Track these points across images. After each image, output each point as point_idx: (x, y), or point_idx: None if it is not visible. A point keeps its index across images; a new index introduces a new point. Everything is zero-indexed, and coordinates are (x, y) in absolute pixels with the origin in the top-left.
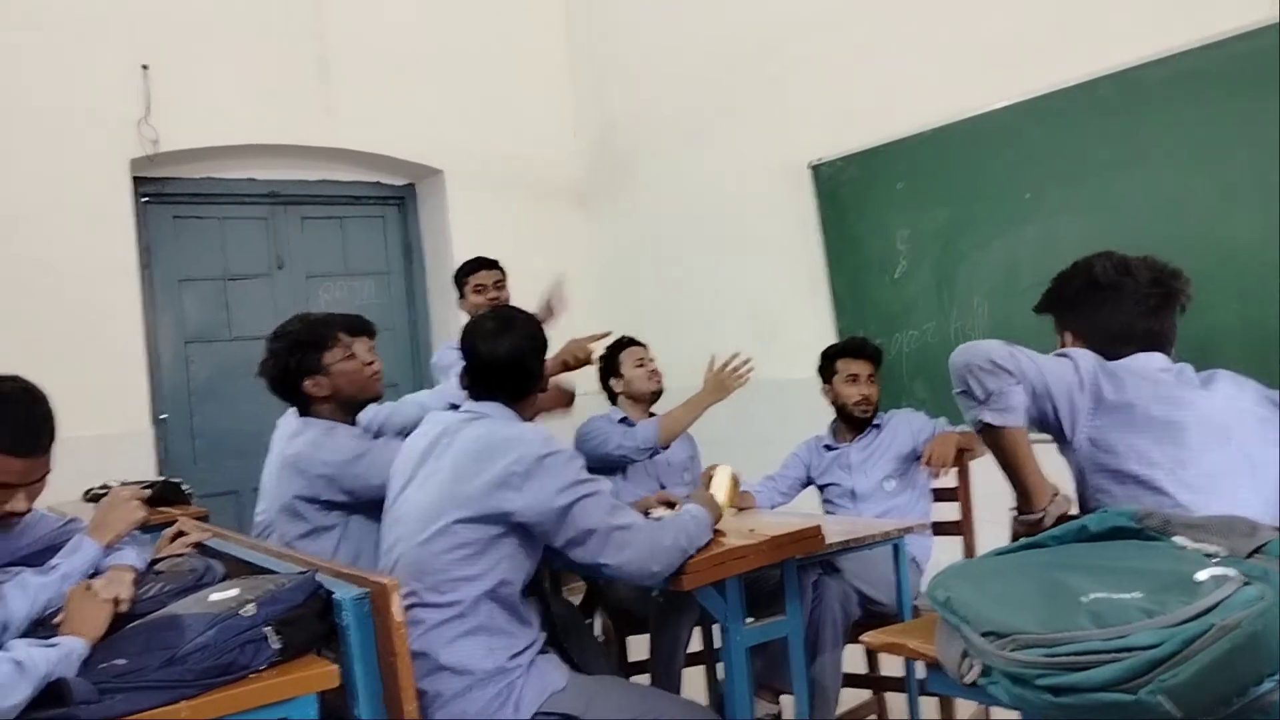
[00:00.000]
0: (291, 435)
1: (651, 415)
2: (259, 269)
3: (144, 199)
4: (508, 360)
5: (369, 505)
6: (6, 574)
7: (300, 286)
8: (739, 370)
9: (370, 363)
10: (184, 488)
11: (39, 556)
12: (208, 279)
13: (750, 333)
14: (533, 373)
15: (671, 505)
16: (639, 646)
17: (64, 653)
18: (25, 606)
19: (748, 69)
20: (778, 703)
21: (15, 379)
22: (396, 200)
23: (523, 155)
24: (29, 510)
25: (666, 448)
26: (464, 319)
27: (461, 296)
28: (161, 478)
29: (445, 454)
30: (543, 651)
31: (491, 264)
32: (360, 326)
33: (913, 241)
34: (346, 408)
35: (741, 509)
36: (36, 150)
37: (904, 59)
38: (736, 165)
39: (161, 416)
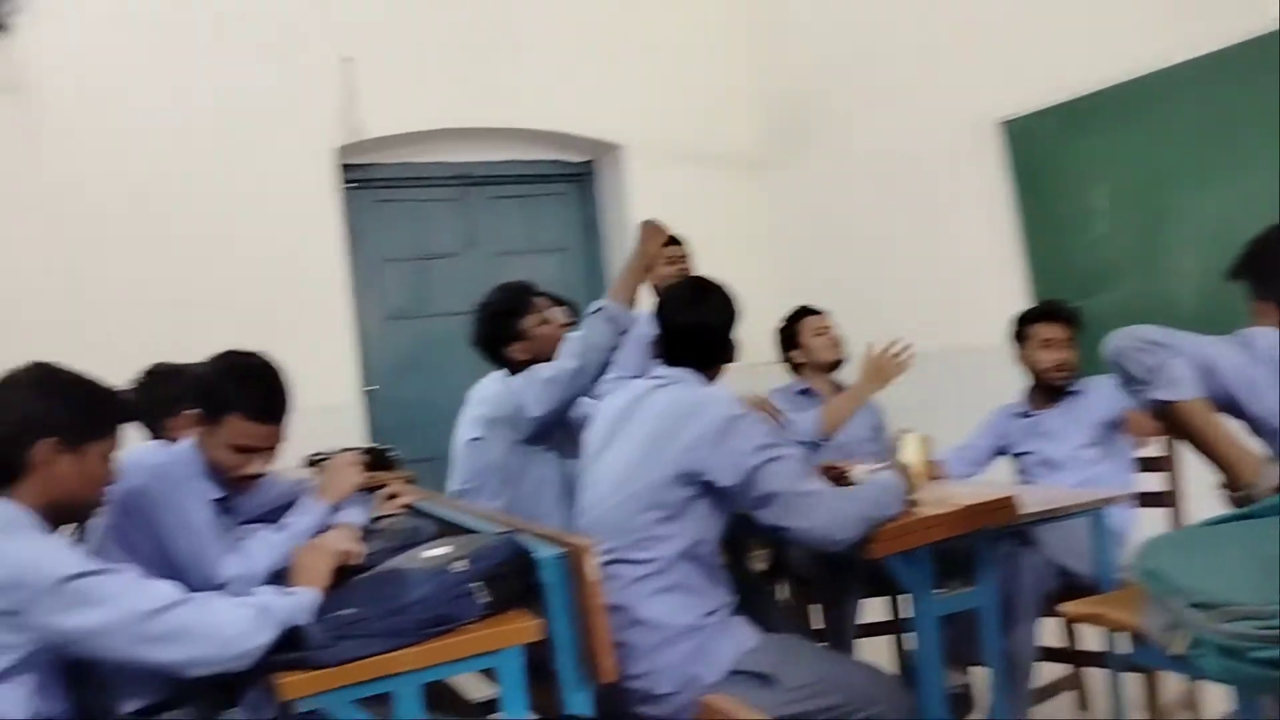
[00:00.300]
0: (497, 392)
1: (837, 387)
2: (452, 248)
3: (349, 185)
4: (700, 329)
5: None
6: (247, 531)
7: (490, 264)
8: (899, 356)
9: (565, 325)
10: (392, 454)
11: (273, 515)
12: (407, 259)
13: (937, 299)
14: (724, 343)
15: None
16: (820, 617)
17: (300, 601)
18: (264, 559)
19: (932, 23)
20: (967, 675)
21: (256, 354)
22: (578, 177)
23: (699, 126)
24: (262, 475)
25: (828, 439)
26: (648, 293)
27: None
28: (371, 445)
29: (639, 419)
30: (734, 614)
31: (673, 240)
32: (554, 298)
33: (1112, 199)
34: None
35: (932, 479)
36: (253, 144)
37: (1100, 6)
38: (920, 124)
39: (369, 388)
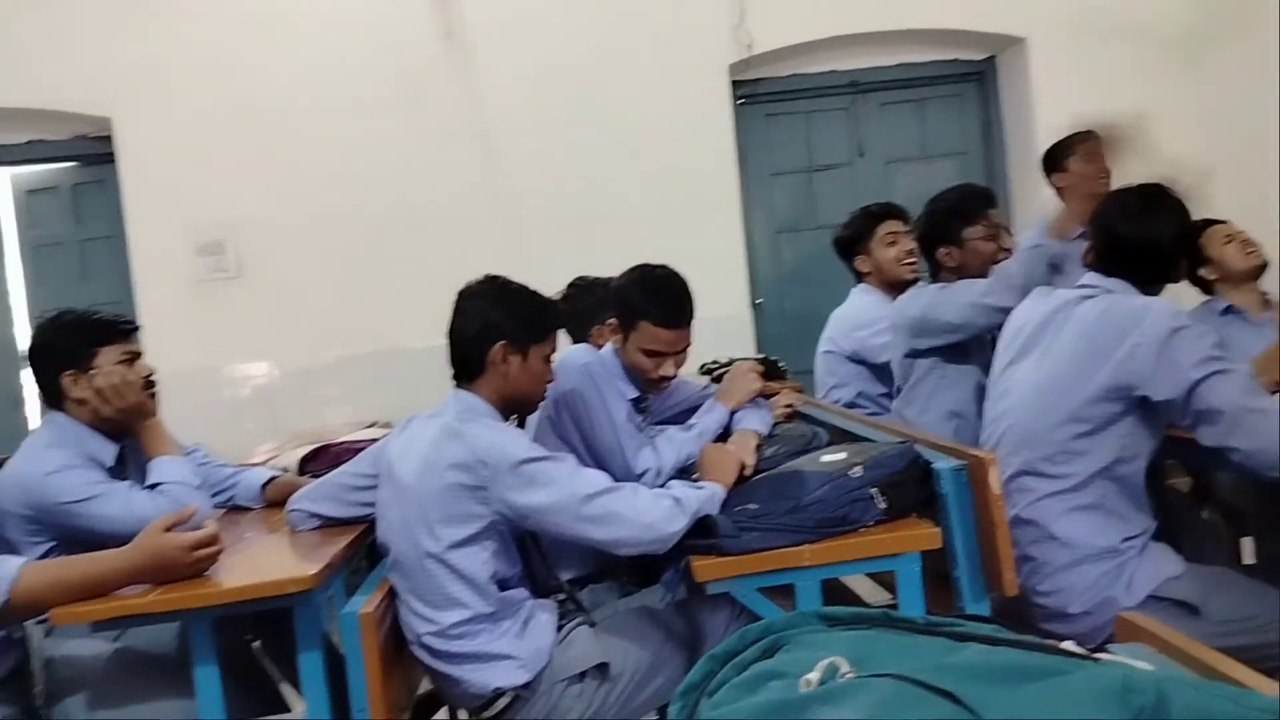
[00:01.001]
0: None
1: (1264, 299)
2: (841, 158)
3: (740, 100)
4: (1146, 244)
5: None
6: (658, 430)
7: (880, 173)
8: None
9: (993, 236)
10: (781, 364)
11: (680, 417)
12: (794, 171)
13: None
14: (1170, 260)
15: None
16: (1251, 550)
17: (709, 494)
18: (672, 456)
19: None
20: None
21: (663, 267)
22: (975, 76)
23: (1116, 9)
24: (675, 376)
25: None
26: (1049, 199)
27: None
28: (761, 355)
29: (1062, 329)
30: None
31: (1085, 134)
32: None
33: None
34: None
35: None
36: (649, 67)
37: None
38: None
39: (757, 301)
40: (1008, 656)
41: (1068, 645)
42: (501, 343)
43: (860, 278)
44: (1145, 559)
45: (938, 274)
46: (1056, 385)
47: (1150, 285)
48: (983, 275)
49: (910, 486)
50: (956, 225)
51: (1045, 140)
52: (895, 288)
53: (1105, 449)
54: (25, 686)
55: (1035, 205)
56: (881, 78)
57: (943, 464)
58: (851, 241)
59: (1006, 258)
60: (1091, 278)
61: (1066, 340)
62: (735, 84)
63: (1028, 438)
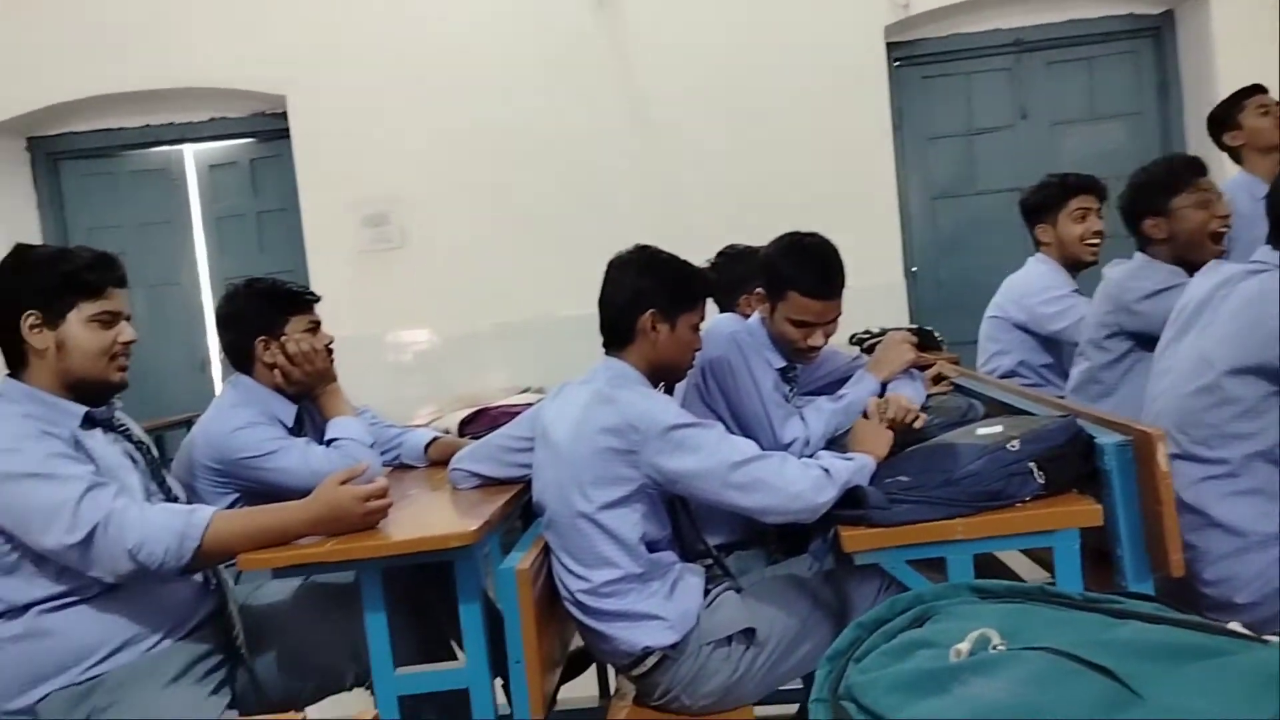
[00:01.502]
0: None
1: None
2: (1002, 121)
3: (896, 63)
4: None
5: None
6: (805, 401)
7: (1044, 135)
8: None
9: (1205, 204)
10: (936, 335)
11: (829, 388)
12: (953, 135)
13: None
14: None
15: None
16: None
17: (858, 465)
18: (820, 427)
19: None
20: None
21: (814, 235)
22: (1151, 32)
23: None
24: (823, 347)
25: None
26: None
27: (1227, 129)
28: (915, 325)
29: (1221, 306)
30: None
31: (1255, 88)
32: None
33: None
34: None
35: None
36: (803, 29)
37: None
38: None
39: (913, 269)
40: (1169, 635)
41: (1234, 626)
42: (651, 311)
43: (1038, 246)
44: None
45: (1146, 246)
46: (1209, 364)
47: None
48: (1194, 245)
49: (1071, 461)
50: (1164, 196)
51: (1224, 97)
52: (1073, 264)
53: (1262, 432)
54: (227, 628)
55: (1215, 171)
56: (1048, 35)
57: (1106, 439)
58: (1038, 208)
59: (1222, 226)
60: (1263, 252)
61: (1224, 318)
62: (891, 46)
63: (1182, 419)
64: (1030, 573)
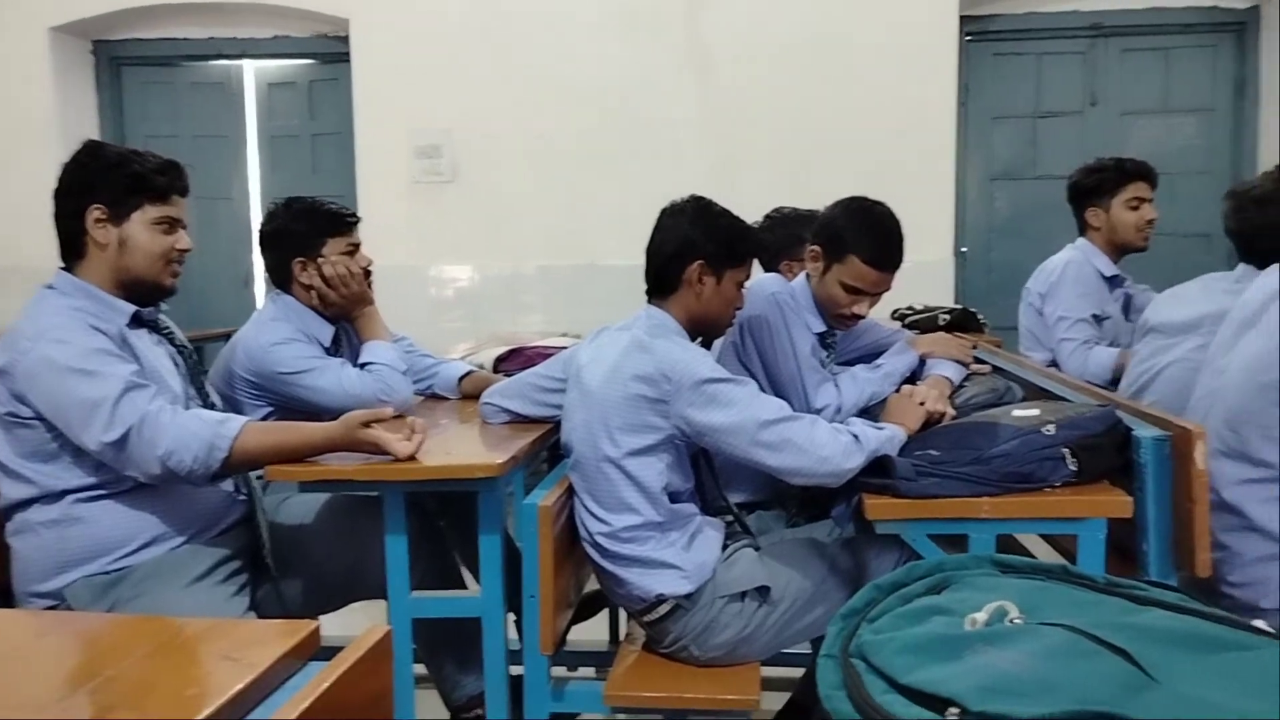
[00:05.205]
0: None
1: None
2: (1071, 106)
3: (967, 38)
4: None
5: None
6: (841, 369)
7: (1113, 124)
8: None
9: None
10: (979, 317)
11: (867, 358)
12: (1018, 116)
13: None
14: None
15: None
16: None
17: (889, 435)
18: (854, 395)
19: None
20: None
21: (882, 204)
22: (1234, 26)
23: None
24: (863, 317)
25: None
26: None
27: None
28: (959, 306)
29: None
30: None
31: None
32: None
33: None
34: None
35: None
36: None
37: None
38: None
39: (962, 249)
40: (1191, 625)
41: (1258, 624)
42: (699, 262)
43: (1084, 229)
44: None
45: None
46: (1265, 366)
47: None
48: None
49: (1106, 451)
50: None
51: None
52: (1121, 251)
53: None
54: (253, 535)
55: None
56: (1127, 21)
57: (1145, 432)
58: (1092, 190)
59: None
60: None
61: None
62: (964, 19)
63: (1234, 418)
64: (1051, 558)
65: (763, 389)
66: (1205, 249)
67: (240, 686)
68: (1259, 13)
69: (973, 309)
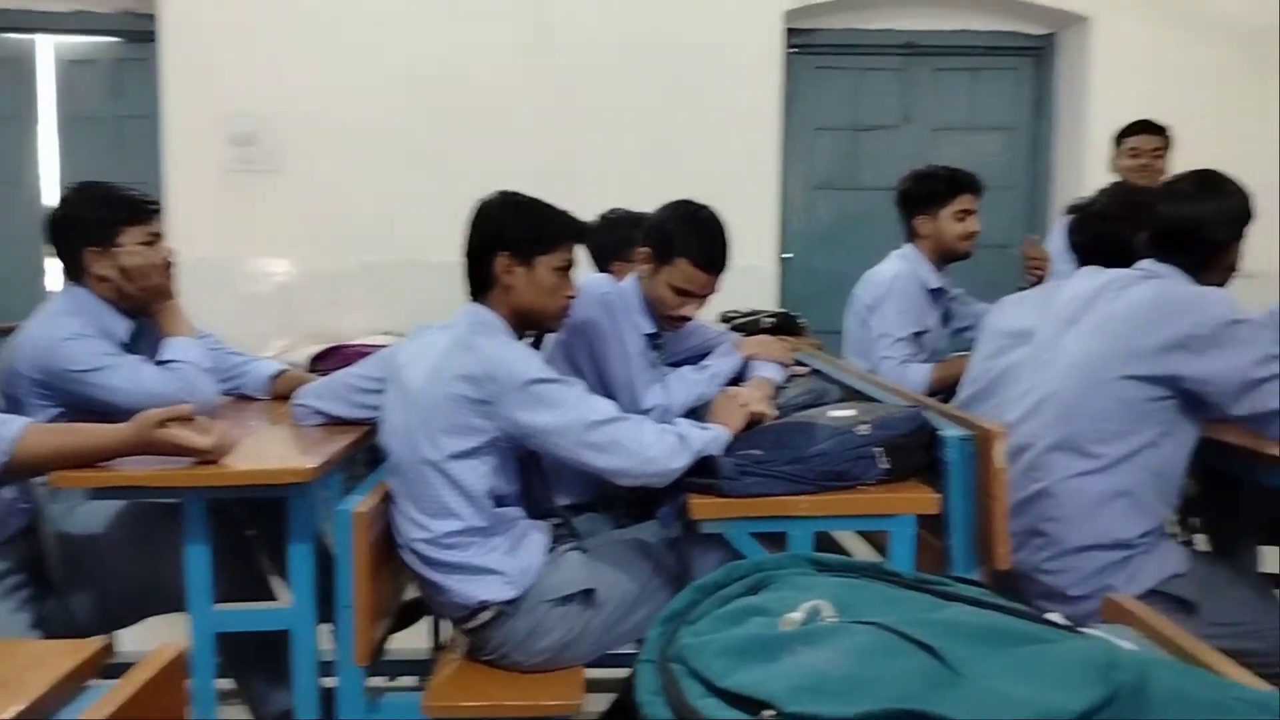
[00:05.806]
0: None
1: None
2: (887, 120)
3: (792, 49)
4: (1198, 226)
5: None
6: (669, 370)
7: (925, 139)
8: None
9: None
10: (800, 321)
11: (695, 359)
12: (839, 129)
13: None
14: (1224, 247)
15: None
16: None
17: (713, 436)
18: (683, 395)
19: None
20: None
21: (709, 207)
22: (1033, 51)
23: None
24: (690, 319)
25: None
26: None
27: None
28: (781, 310)
29: (1112, 307)
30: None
31: (1157, 129)
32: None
33: None
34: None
35: None
36: (705, 4)
37: None
38: None
39: (785, 255)
40: (992, 619)
41: (1053, 617)
42: (505, 253)
43: (912, 236)
44: (1154, 554)
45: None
46: (1095, 364)
47: (1204, 274)
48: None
49: (915, 450)
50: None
51: (1098, 125)
52: (946, 258)
53: (1144, 434)
54: (34, 548)
55: (1079, 188)
56: (937, 42)
57: (950, 432)
58: (922, 199)
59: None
60: (1146, 263)
61: (1117, 320)
62: (790, 31)
63: (1067, 412)
64: (866, 557)
65: (592, 389)
66: (1002, 260)
67: (9, 715)
68: (1055, 39)
69: (795, 313)
